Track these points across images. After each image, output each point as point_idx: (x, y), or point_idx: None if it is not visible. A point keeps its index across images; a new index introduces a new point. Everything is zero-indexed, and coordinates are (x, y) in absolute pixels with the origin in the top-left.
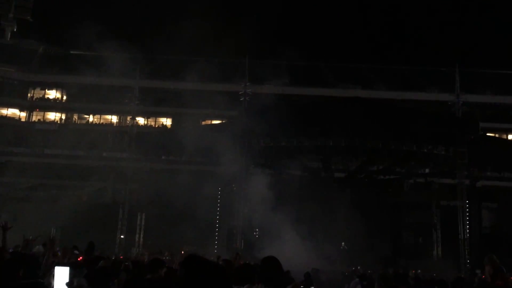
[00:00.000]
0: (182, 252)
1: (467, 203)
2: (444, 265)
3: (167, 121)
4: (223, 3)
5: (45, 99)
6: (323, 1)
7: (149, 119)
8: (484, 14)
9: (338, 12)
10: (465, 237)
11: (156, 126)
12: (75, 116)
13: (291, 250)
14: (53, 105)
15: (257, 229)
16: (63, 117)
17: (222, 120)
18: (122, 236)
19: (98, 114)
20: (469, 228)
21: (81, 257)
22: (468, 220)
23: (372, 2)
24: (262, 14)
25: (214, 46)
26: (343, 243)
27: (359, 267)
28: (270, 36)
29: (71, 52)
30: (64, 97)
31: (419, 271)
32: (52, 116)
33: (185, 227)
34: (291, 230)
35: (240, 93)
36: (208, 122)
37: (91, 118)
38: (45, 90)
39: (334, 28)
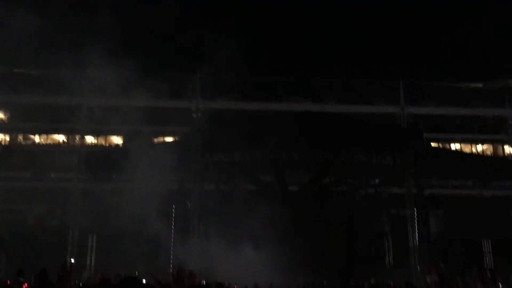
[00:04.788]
0: (136, 273)
1: (415, 211)
2: (395, 272)
3: (118, 140)
4: (170, 19)
5: None
6: (271, 15)
7: (99, 138)
8: (425, 28)
9: (285, 26)
10: (415, 244)
11: (107, 144)
12: (20, 137)
13: (246, 264)
14: None
15: (213, 246)
16: (7, 138)
17: (174, 137)
18: (72, 260)
19: (44, 134)
20: (418, 236)
21: (25, 284)
22: (416, 228)
23: (319, 15)
24: (212, 28)
25: (165, 62)
26: (298, 256)
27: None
28: (219, 51)
29: (15, 70)
30: (8, 118)
31: (372, 280)
32: None
33: (139, 247)
34: (245, 244)
35: (192, 109)
36: (161, 139)
37: (37, 139)
38: None
39: (282, 42)
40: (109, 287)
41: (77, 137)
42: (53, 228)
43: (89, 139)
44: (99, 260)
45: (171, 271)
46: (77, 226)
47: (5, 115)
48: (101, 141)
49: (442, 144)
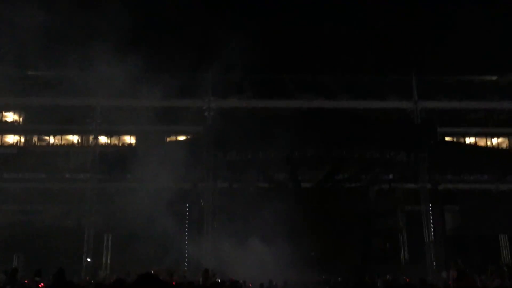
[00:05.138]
0: (152, 272)
1: (430, 207)
2: (411, 269)
3: (131, 139)
4: (182, 20)
5: (2, 122)
6: (282, 13)
7: (112, 138)
8: (438, 20)
9: (297, 23)
10: (430, 240)
11: (120, 144)
12: (35, 138)
13: (260, 261)
14: (11, 128)
15: (227, 244)
16: (22, 139)
17: (187, 136)
18: (88, 259)
19: (59, 135)
20: (433, 231)
21: (41, 284)
22: (432, 223)
23: (330, 12)
24: (223, 27)
25: (177, 61)
26: (313, 253)
27: (323, 277)
28: (230, 49)
29: (29, 72)
30: (23, 119)
31: (388, 277)
32: (11, 139)
33: (154, 245)
34: (259, 242)
35: (204, 108)
36: (173, 138)
37: (51, 140)
38: (2, 113)
39: (293, 38)
40: (123, 285)
41: (91, 138)
42: (68, 228)
43: (103, 139)
44: (115, 259)
45: (185, 269)
46: (92, 226)
47: (19, 116)
48: (115, 141)
49: (456, 138)
